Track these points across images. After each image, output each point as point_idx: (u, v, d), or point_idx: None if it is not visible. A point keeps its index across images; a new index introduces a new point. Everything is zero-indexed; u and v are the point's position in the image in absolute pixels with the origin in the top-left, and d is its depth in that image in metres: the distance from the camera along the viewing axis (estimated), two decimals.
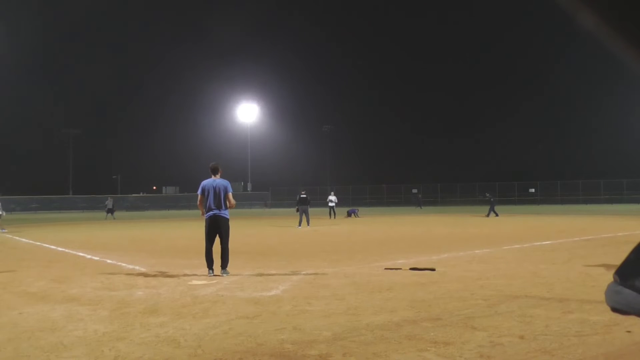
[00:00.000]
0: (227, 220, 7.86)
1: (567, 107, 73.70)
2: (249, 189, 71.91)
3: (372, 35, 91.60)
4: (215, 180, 7.86)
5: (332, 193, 28.54)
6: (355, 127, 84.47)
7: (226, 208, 7.82)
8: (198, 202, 7.93)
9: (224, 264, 7.71)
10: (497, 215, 27.11)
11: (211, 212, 7.75)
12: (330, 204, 27.74)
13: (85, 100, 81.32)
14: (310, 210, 21.37)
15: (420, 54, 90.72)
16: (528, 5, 67.20)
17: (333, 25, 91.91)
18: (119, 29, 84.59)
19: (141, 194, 72.21)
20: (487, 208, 28.07)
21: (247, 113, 70.45)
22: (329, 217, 27.29)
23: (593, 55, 49.61)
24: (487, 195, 28.97)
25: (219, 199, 7.75)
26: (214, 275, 7.55)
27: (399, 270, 7.88)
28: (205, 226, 7.82)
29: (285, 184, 66.16)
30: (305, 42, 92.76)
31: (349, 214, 30.64)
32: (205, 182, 7.90)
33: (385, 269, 8.07)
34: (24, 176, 70.60)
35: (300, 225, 20.46)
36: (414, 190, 44.28)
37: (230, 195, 7.86)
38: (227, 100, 74.22)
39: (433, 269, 7.78)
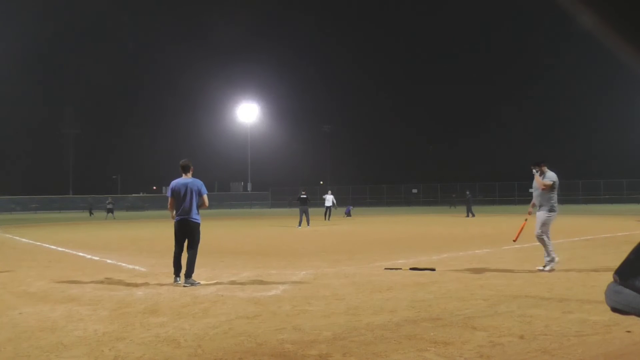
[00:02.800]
0: (198, 225, 7.10)
1: (567, 107, 73.77)
2: (249, 189, 71.90)
3: (372, 35, 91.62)
4: (187, 180, 7.10)
5: (329, 192, 27.99)
6: (355, 127, 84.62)
7: (197, 212, 7.09)
8: (169, 205, 7.19)
9: (189, 272, 6.91)
10: (472, 215, 27.21)
11: (180, 216, 7.01)
12: (327, 204, 26.81)
13: (85, 100, 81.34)
14: (312, 210, 21.37)
15: (420, 54, 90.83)
16: (528, 5, 67.21)
17: (333, 24, 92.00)
18: (119, 29, 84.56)
19: (141, 194, 72.20)
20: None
21: (247, 113, 70.45)
22: (324, 218, 26.43)
23: (593, 54, 49.62)
24: (468, 193, 29.05)
25: (191, 201, 7.01)
26: (178, 283, 6.92)
27: (399, 270, 7.88)
28: (174, 230, 7.09)
29: (285, 184, 66.16)
30: (305, 41, 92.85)
31: (347, 214, 30.53)
32: (175, 183, 7.12)
33: (385, 269, 8.07)
34: (24, 176, 70.62)
35: (300, 225, 20.47)
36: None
37: (205, 197, 7.14)
38: (227, 100, 74.28)
39: (433, 269, 7.78)
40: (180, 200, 7.01)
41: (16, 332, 4.53)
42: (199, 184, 7.12)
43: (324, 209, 27.17)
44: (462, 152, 77.33)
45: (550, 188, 7.95)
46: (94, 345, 4.11)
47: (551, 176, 8.19)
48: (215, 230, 21.54)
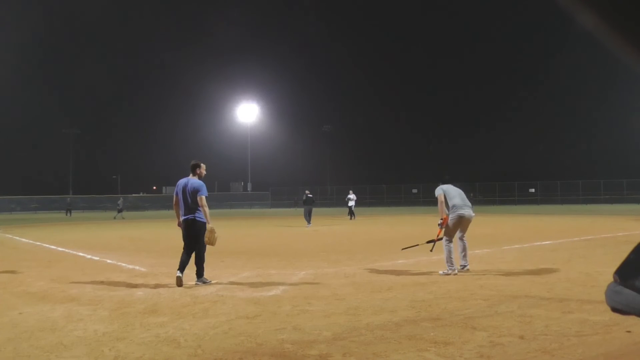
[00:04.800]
0: (203, 224, 6.98)
1: (567, 106, 73.74)
2: (249, 189, 71.90)
3: (372, 35, 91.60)
4: (189, 180, 7.10)
5: (351, 192, 27.76)
6: (355, 127, 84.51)
7: (200, 210, 6.99)
8: (174, 203, 7.21)
9: (199, 273, 7.01)
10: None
11: (184, 216, 7.01)
12: (349, 204, 26.67)
13: (85, 100, 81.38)
14: (315, 210, 21.53)
15: (420, 54, 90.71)
16: (529, 4, 67.21)
17: (333, 25, 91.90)
18: (119, 29, 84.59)
19: (141, 194, 72.16)
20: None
21: (247, 113, 70.46)
22: (349, 217, 26.46)
23: (593, 54, 49.62)
24: None
25: (191, 201, 6.97)
26: (180, 277, 6.79)
27: (416, 247, 9.01)
28: (182, 231, 7.09)
29: (285, 184, 66.17)
30: (305, 42, 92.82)
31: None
32: (179, 182, 7.20)
33: (403, 249, 9.03)
34: (24, 176, 70.60)
35: (309, 224, 20.48)
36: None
37: (202, 198, 6.94)
38: (227, 100, 74.27)
39: (441, 239, 7.78)
40: (182, 200, 7.05)
41: (16, 332, 4.53)
42: (197, 184, 7.04)
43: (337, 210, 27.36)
44: (462, 152, 77.34)
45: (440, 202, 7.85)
46: (94, 345, 4.11)
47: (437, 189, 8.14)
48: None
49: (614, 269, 0.94)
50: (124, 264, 9.42)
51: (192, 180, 7.08)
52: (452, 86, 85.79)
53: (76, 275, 8.08)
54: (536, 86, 78.62)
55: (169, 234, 19.04)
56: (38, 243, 15.02)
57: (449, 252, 7.52)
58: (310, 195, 21.07)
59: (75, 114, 77.99)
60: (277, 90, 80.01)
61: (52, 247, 13.60)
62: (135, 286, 6.91)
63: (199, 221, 6.98)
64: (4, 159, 70.62)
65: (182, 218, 7.04)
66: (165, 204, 62.15)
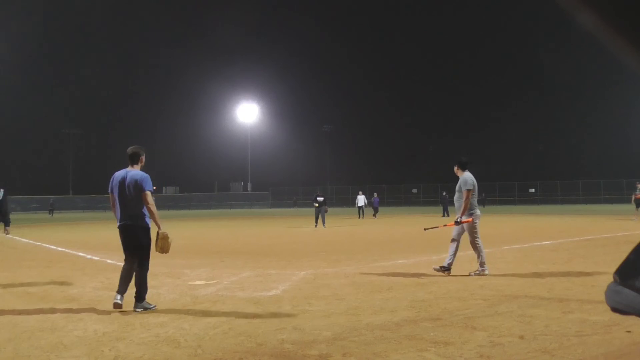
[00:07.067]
0: (146, 230, 5.42)
1: (566, 106, 73.74)
2: (249, 189, 71.92)
3: (372, 35, 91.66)
4: (128, 173, 5.51)
5: (360, 193, 29.34)
6: (355, 127, 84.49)
7: (144, 214, 5.43)
8: (110, 204, 5.60)
9: (139, 295, 5.35)
10: (447, 215, 27.75)
11: (121, 220, 5.48)
12: (359, 204, 28.91)
13: (85, 100, 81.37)
14: (304, 210, 21.55)
15: (420, 53, 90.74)
16: (527, 4, 67.22)
17: (333, 24, 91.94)
18: (119, 29, 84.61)
19: None
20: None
21: (247, 113, 70.50)
22: (358, 217, 28.76)
23: (593, 54, 49.59)
24: (444, 194, 30.09)
25: (130, 199, 5.38)
26: (120, 303, 5.29)
27: (436, 229, 8.98)
28: (120, 238, 5.57)
29: (285, 184, 66.16)
30: (305, 42, 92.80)
31: (375, 210, 31.03)
32: (114, 175, 5.55)
33: (425, 229, 9.03)
34: (24, 176, 70.63)
35: (324, 224, 20.63)
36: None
37: (147, 194, 5.39)
38: (227, 100, 74.31)
39: (460, 223, 7.68)
40: (119, 199, 5.45)
41: (16, 332, 4.53)
42: (140, 176, 5.45)
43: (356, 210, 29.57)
44: (462, 152, 77.30)
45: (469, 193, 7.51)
46: (94, 345, 4.11)
47: (467, 179, 7.57)
48: (215, 230, 21.53)
49: (614, 269, 0.94)
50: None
51: (132, 172, 5.51)
52: (453, 85, 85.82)
53: (76, 275, 8.08)
54: (536, 85, 78.70)
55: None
56: (38, 243, 15.02)
57: (483, 251, 7.51)
58: (321, 198, 21.08)
59: (76, 114, 78.08)
60: (277, 90, 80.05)
61: (52, 247, 13.60)
62: None
63: (138, 226, 5.42)
64: (5, 159, 70.67)
65: (118, 223, 5.50)
66: (166, 203, 62.09)
